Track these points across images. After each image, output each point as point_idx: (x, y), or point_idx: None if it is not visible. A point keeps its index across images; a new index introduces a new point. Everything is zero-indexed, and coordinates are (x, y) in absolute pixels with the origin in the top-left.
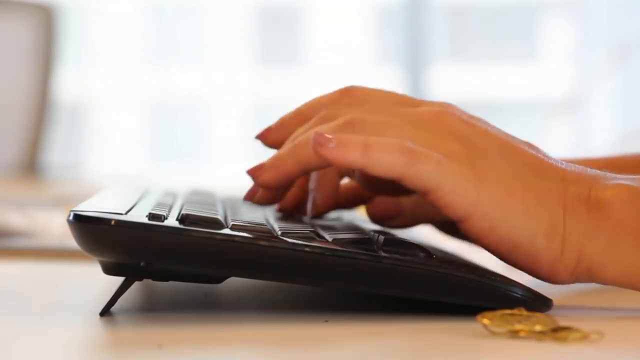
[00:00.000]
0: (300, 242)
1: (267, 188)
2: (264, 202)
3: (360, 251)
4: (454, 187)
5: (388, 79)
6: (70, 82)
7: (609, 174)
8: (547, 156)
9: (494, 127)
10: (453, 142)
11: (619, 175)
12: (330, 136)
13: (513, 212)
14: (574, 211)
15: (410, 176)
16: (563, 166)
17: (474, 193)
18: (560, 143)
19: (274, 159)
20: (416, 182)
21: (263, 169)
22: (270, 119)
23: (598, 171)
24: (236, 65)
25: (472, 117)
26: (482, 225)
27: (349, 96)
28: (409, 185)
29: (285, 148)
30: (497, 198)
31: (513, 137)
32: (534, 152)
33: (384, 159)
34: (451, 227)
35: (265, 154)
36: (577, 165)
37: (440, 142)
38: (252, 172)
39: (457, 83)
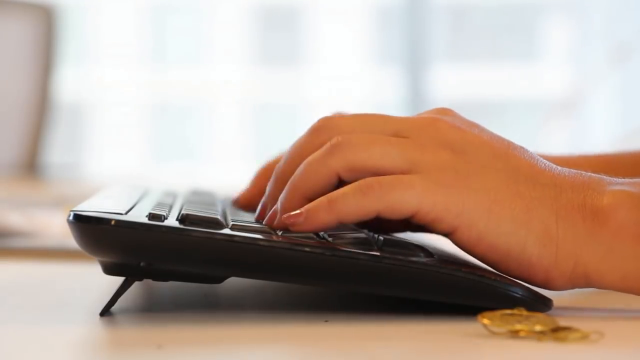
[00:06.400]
0: (300, 242)
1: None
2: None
3: (360, 251)
4: (434, 203)
5: (388, 79)
6: (71, 82)
7: (605, 179)
8: (542, 161)
9: (489, 132)
10: (442, 150)
11: (615, 180)
12: (297, 211)
13: (501, 220)
14: (567, 218)
15: (385, 208)
16: (557, 172)
17: (458, 204)
18: (559, 143)
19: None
20: (395, 211)
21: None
22: (270, 119)
23: (593, 175)
24: (236, 65)
25: (466, 122)
26: (470, 235)
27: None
28: (390, 216)
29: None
30: (483, 207)
31: (508, 142)
32: (527, 158)
33: (352, 205)
34: None
35: (265, 154)
36: (571, 170)
37: (427, 151)
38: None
39: (457, 83)
